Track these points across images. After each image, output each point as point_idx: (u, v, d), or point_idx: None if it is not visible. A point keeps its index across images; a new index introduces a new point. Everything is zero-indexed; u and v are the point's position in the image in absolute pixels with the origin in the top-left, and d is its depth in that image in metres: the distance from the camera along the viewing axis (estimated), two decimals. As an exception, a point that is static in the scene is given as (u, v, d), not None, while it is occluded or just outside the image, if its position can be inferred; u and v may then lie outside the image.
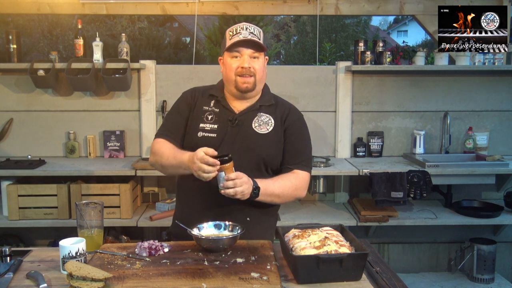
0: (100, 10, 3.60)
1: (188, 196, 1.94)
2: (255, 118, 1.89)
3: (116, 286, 1.39)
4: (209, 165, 1.63)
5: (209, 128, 1.86)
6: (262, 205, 1.86)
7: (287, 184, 1.86)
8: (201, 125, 1.87)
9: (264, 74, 1.90)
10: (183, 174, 1.86)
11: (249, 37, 1.81)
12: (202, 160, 1.63)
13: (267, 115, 1.91)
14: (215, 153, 1.65)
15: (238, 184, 1.67)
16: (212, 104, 1.91)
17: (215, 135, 1.85)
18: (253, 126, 1.88)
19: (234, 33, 1.84)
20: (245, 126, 1.87)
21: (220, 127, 1.86)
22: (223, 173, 1.66)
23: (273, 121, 1.91)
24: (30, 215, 2.94)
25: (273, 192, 1.82)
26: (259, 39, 1.84)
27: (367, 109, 3.48)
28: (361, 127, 3.49)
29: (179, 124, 1.92)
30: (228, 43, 1.84)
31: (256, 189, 1.75)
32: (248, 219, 1.85)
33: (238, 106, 1.91)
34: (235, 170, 1.69)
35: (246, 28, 1.84)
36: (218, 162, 1.64)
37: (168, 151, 1.85)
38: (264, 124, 1.89)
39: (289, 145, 1.92)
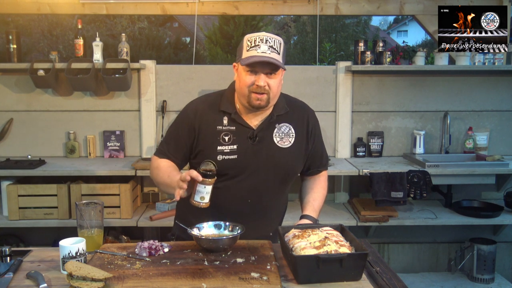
0: (100, 10, 3.60)
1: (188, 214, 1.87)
2: (275, 131, 1.81)
3: (116, 286, 1.39)
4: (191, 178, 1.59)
5: (228, 150, 1.75)
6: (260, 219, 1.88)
7: (323, 193, 1.97)
8: (219, 148, 1.75)
9: (279, 88, 1.77)
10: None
11: (268, 52, 1.66)
12: (184, 177, 1.59)
13: (287, 125, 1.83)
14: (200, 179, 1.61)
15: None
16: (226, 123, 1.77)
17: (235, 156, 1.75)
18: (275, 141, 1.80)
19: (253, 44, 1.68)
20: (267, 142, 1.78)
21: (240, 147, 1.76)
22: (203, 186, 1.60)
23: (293, 131, 1.83)
24: (30, 215, 2.94)
25: (320, 209, 1.94)
26: (279, 53, 1.69)
27: (367, 109, 3.48)
28: (361, 127, 3.49)
29: (179, 147, 1.84)
30: (245, 55, 1.68)
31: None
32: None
33: (254, 119, 1.80)
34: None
35: (266, 41, 1.67)
36: (200, 178, 1.59)
37: (164, 168, 1.80)
38: (285, 136, 1.82)
39: (315, 148, 1.92)
